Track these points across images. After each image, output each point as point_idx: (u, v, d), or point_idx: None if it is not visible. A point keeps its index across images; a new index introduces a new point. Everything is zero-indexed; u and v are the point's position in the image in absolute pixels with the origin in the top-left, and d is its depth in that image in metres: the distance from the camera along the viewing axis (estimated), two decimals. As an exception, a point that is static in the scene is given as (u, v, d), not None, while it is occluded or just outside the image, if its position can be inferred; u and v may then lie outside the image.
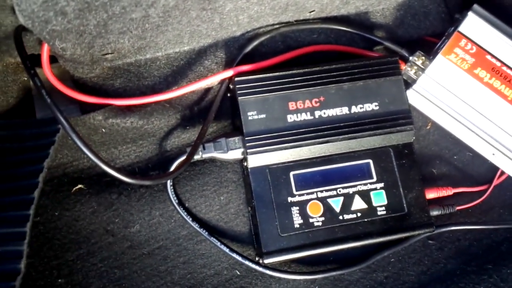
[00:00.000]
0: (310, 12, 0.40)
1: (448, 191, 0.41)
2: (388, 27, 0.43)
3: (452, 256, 0.40)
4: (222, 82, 0.40)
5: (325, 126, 0.38)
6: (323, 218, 0.37)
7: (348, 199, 0.38)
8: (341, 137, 0.38)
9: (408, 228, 0.38)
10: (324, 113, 0.38)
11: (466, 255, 0.40)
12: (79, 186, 0.38)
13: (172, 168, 0.37)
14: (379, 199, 0.38)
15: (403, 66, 0.40)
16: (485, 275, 0.39)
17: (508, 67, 0.39)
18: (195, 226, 0.38)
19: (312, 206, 0.38)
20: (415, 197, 0.39)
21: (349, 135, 0.38)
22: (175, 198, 0.38)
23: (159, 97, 0.39)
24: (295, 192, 0.38)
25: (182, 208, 0.38)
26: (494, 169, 0.41)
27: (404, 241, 0.39)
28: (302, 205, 0.37)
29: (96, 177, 0.39)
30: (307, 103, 0.38)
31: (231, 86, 0.39)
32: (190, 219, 0.38)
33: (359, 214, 0.38)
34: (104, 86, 0.39)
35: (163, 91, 0.39)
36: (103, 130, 0.38)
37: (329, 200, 0.38)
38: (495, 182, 0.42)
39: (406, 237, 0.38)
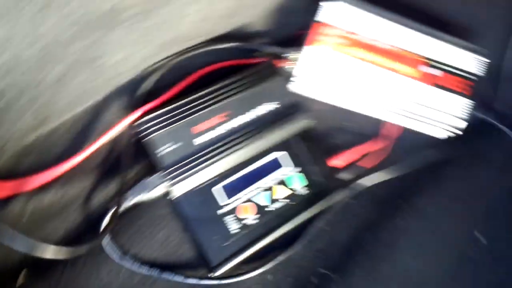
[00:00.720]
0: (197, 39, 0.43)
1: (355, 154, 0.46)
2: (266, 32, 0.48)
3: (371, 207, 0.45)
4: (130, 125, 0.42)
5: (234, 137, 0.42)
6: (256, 216, 0.41)
7: (273, 191, 0.42)
8: (250, 140, 0.42)
9: (330, 197, 0.43)
10: (230, 125, 0.42)
11: (383, 202, 0.46)
12: (23, 273, 0.38)
13: (102, 228, 0.38)
14: (301, 182, 0.43)
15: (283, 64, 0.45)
16: (400, 212, 0.45)
17: (375, 40, 0.44)
18: (144, 271, 0.39)
19: (241, 209, 0.41)
20: (329, 169, 0.44)
21: (257, 135, 0.42)
22: (116, 252, 0.39)
23: (69, 163, 0.39)
24: (221, 204, 0.40)
25: (126, 260, 0.39)
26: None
27: (329, 209, 0.44)
28: (232, 212, 0.40)
29: (36, 259, 0.39)
30: (213, 121, 0.41)
31: (134, 131, 0.41)
32: (137, 265, 0.39)
33: (287, 200, 0.42)
34: (11, 173, 0.39)
35: (72, 155, 0.39)
36: (23, 219, 0.38)
37: (256, 198, 0.41)
38: (394, 136, 0.48)
39: (330, 205, 0.43)
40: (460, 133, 0.46)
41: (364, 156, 0.46)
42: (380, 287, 0.42)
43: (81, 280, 0.38)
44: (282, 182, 0.42)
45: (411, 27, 0.45)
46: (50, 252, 0.32)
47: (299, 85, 0.44)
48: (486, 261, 0.44)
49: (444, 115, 0.45)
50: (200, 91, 0.42)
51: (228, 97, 0.42)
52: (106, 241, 0.39)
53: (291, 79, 0.44)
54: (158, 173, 0.39)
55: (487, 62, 0.46)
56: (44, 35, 0.32)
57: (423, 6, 0.48)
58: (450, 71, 0.45)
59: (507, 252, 0.44)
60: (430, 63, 0.45)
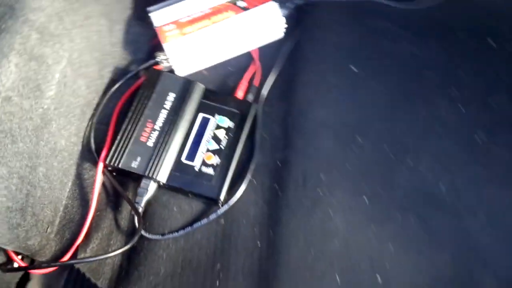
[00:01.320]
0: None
1: (246, 81, 0.63)
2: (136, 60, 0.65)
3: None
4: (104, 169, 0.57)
5: (168, 125, 0.57)
6: (216, 156, 0.57)
7: (216, 136, 0.58)
8: (179, 120, 0.58)
9: (250, 115, 0.60)
10: (160, 122, 0.58)
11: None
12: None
13: (137, 226, 0.54)
14: (227, 119, 0.59)
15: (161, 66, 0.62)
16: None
17: (192, 15, 0.62)
18: (182, 233, 0.55)
19: (207, 159, 0.57)
20: (238, 100, 0.61)
21: (181, 115, 0.58)
22: (157, 234, 0.55)
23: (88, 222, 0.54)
24: (193, 165, 0.57)
25: (166, 235, 0.55)
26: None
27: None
28: (203, 164, 0.57)
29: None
30: (148, 126, 0.57)
31: (109, 167, 0.56)
32: (175, 234, 0.55)
33: (227, 136, 0.58)
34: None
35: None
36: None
37: (210, 146, 0.58)
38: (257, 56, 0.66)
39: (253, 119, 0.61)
40: (285, 24, 0.65)
41: (252, 77, 0.65)
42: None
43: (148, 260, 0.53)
44: (217, 127, 0.59)
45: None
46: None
47: (180, 71, 0.62)
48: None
49: (268, 21, 0.64)
50: (128, 115, 0.58)
51: (144, 109, 0.59)
52: (145, 234, 0.54)
53: (173, 70, 0.62)
54: (142, 178, 0.55)
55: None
56: None
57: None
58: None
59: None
60: (233, 1, 0.64)
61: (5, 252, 0.51)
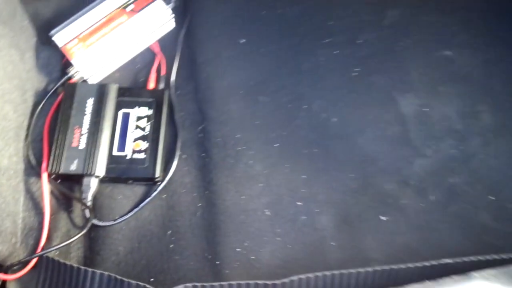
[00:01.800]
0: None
1: (154, 73, 0.72)
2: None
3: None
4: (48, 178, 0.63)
5: (95, 125, 0.65)
6: (144, 142, 0.65)
7: (139, 125, 0.66)
8: (102, 120, 0.65)
9: (164, 102, 0.69)
10: (86, 127, 0.65)
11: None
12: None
13: (87, 216, 0.61)
14: (145, 109, 0.67)
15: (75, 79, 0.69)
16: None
17: (91, 26, 0.69)
18: (130, 215, 0.63)
19: (135, 147, 0.65)
20: (151, 90, 0.69)
21: (102, 115, 0.65)
22: (107, 221, 0.63)
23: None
24: (124, 155, 0.64)
25: (117, 220, 0.63)
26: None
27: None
28: (134, 152, 0.64)
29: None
30: (76, 133, 0.64)
31: (52, 175, 0.63)
32: (123, 217, 0.63)
33: (149, 122, 0.66)
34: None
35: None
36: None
37: (136, 135, 0.65)
38: (158, 49, 0.74)
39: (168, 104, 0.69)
40: (173, 15, 0.73)
41: (159, 68, 0.73)
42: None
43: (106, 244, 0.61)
44: (139, 118, 0.67)
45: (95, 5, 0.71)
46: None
47: (92, 79, 0.69)
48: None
49: (158, 17, 0.72)
50: (57, 128, 0.64)
51: (69, 119, 0.65)
52: (98, 222, 0.62)
53: (86, 80, 0.69)
54: (83, 177, 0.62)
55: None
56: None
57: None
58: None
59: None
60: (123, 7, 0.71)
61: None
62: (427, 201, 0.62)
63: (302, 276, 0.51)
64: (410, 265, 0.49)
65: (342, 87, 0.71)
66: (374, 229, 0.60)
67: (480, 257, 0.45)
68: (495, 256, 0.45)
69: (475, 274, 0.35)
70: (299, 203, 0.62)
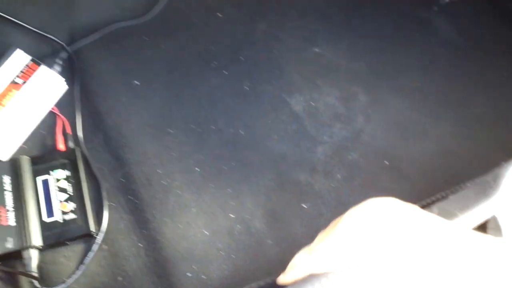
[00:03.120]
0: None
1: (60, 134, 0.72)
2: None
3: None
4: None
5: (17, 201, 0.64)
6: (69, 202, 0.65)
7: (61, 187, 0.67)
8: (22, 193, 0.65)
9: (78, 157, 0.70)
10: (9, 203, 0.64)
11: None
12: None
13: None
14: (60, 171, 0.68)
15: None
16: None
17: None
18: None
19: (63, 207, 0.65)
20: (61, 152, 0.69)
21: (21, 188, 0.65)
22: None
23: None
24: (57, 219, 0.64)
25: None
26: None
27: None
28: (63, 213, 0.65)
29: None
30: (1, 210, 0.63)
31: None
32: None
33: (69, 183, 0.67)
34: None
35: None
36: None
37: (60, 197, 0.65)
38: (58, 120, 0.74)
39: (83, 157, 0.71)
40: (63, 78, 0.74)
41: (63, 129, 0.73)
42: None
43: None
44: (57, 180, 0.67)
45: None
46: None
47: (2, 157, 0.68)
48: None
49: (48, 83, 0.73)
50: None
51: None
52: None
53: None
54: (23, 251, 0.62)
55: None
56: None
57: None
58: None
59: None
60: (11, 82, 0.71)
61: None
62: (336, 180, 0.71)
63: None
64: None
65: (240, 101, 0.78)
66: (300, 218, 0.67)
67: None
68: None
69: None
70: (231, 215, 0.67)
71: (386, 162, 0.72)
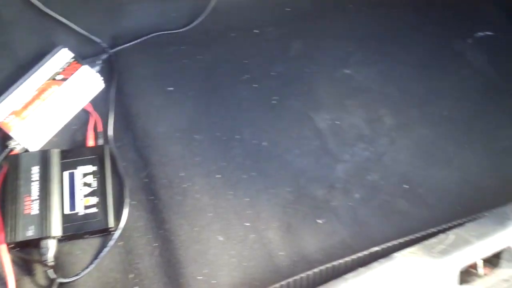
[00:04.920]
0: None
1: (91, 131, 0.73)
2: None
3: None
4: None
5: (44, 190, 0.64)
6: (94, 197, 0.65)
7: (87, 181, 0.67)
8: (50, 183, 0.65)
9: (106, 156, 0.70)
10: (35, 194, 0.64)
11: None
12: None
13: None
14: (88, 166, 0.68)
15: (17, 151, 0.68)
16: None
17: (25, 97, 0.69)
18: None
19: (85, 202, 0.65)
20: (90, 148, 0.70)
21: (50, 179, 0.65)
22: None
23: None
24: (77, 211, 0.64)
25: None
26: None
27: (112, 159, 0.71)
28: (85, 208, 0.65)
29: None
30: (27, 200, 0.63)
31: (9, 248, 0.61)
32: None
33: (95, 178, 0.66)
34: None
35: None
36: None
37: (84, 192, 0.65)
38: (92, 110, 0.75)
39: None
40: (101, 77, 0.75)
41: (95, 126, 0.73)
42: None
43: None
44: (84, 175, 0.67)
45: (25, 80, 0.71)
46: None
47: (33, 147, 0.69)
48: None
49: (86, 81, 0.74)
50: (7, 199, 0.63)
51: (17, 188, 0.63)
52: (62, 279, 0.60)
53: (27, 149, 0.68)
54: (42, 240, 0.61)
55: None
56: None
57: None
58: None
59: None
60: (52, 78, 0.72)
61: None
62: (353, 199, 0.68)
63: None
64: (347, 258, 0.53)
65: (266, 114, 0.77)
66: (314, 233, 0.64)
67: (401, 240, 0.51)
68: (412, 237, 0.51)
69: (396, 254, 0.40)
70: (246, 224, 0.65)
71: (406, 186, 0.69)
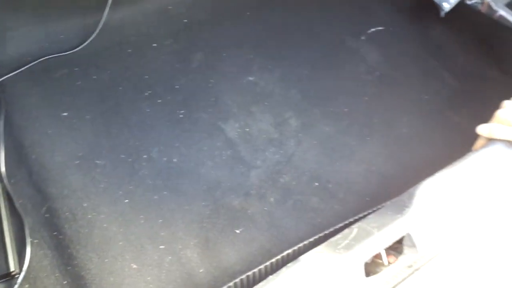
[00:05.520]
0: None
1: None
2: None
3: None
4: None
5: None
6: None
7: None
8: None
9: None
10: None
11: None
12: None
13: None
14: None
15: None
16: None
17: None
18: None
19: None
20: None
21: None
22: None
23: None
24: None
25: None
26: None
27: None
28: None
29: None
30: None
31: None
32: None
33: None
34: None
35: None
36: None
37: None
38: None
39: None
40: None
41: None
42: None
43: None
44: None
45: None
46: None
47: None
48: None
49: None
50: None
51: None
52: None
53: None
54: None
55: None
56: None
57: None
58: None
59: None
60: None
61: None
62: (269, 203, 0.67)
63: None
64: (267, 263, 0.52)
65: (173, 129, 0.74)
66: (232, 244, 0.62)
67: (310, 239, 0.51)
68: (320, 234, 0.51)
69: (302, 257, 0.40)
70: (161, 247, 0.62)
71: (316, 183, 0.69)
